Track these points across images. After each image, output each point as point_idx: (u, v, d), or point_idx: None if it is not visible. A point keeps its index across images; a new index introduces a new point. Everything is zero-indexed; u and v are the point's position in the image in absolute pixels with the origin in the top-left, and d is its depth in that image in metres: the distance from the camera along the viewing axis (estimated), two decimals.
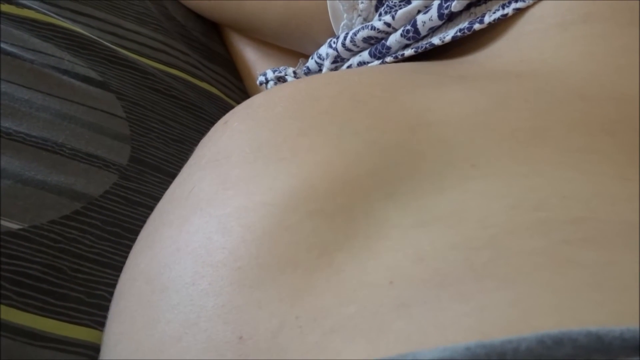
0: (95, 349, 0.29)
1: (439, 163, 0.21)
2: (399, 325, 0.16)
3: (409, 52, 0.32)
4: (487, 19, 0.29)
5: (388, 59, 0.33)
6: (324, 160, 0.22)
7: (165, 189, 0.39)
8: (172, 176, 0.40)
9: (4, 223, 0.30)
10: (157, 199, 0.38)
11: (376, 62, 0.35)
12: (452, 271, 0.17)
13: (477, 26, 0.29)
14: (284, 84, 0.30)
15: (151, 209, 0.37)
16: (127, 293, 0.24)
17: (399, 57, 0.33)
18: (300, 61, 0.47)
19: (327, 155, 0.22)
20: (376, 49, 0.35)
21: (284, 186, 0.22)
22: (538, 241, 0.17)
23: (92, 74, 0.41)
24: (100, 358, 0.24)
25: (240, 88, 0.54)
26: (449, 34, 0.30)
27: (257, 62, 0.53)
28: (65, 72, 0.39)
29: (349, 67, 0.38)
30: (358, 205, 0.21)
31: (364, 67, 0.32)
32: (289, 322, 0.18)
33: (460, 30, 0.30)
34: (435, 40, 0.31)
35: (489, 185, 0.20)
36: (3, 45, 0.37)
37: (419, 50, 0.31)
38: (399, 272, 0.18)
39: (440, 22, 0.31)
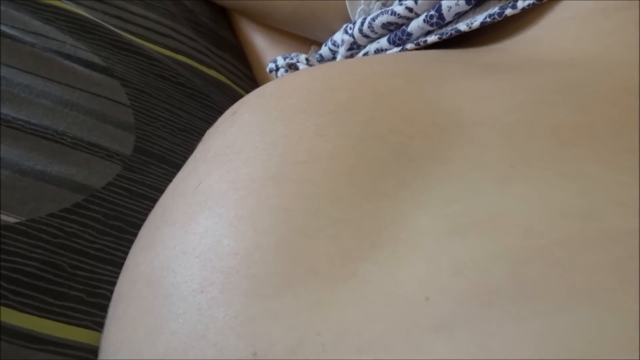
0: (96, 352, 0.27)
1: (472, 165, 0.19)
2: (440, 349, 0.14)
3: (432, 38, 0.30)
4: (521, 3, 0.27)
5: (409, 45, 0.31)
6: (349, 170, 0.20)
7: (171, 181, 0.37)
8: (178, 167, 0.39)
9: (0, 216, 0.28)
10: (162, 191, 0.36)
11: (395, 50, 0.33)
12: (497, 287, 0.15)
13: (509, 11, 0.27)
14: (298, 71, 0.28)
15: (156, 201, 0.35)
16: (127, 297, 0.22)
17: (421, 43, 0.31)
18: (312, 48, 0.45)
19: (352, 165, 0.20)
20: (396, 35, 0.33)
21: (305, 192, 0.20)
22: (598, 256, 0.15)
23: (96, 59, 0.39)
24: None
25: (249, 76, 0.52)
26: (477, 20, 0.28)
27: (267, 49, 0.51)
28: (68, 56, 0.38)
29: (365, 54, 0.36)
30: (385, 214, 0.19)
31: (383, 55, 0.30)
32: (309, 339, 0.16)
33: (490, 15, 0.28)
34: (462, 26, 0.29)
35: (530, 187, 0.18)
36: (3, 28, 0.35)
37: (444, 37, 0.29)
38: (435, 286, 0.16)
39: (467, 7, 0.29)
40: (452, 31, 0.29)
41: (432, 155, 0.20)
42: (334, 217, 0.19)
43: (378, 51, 0.34)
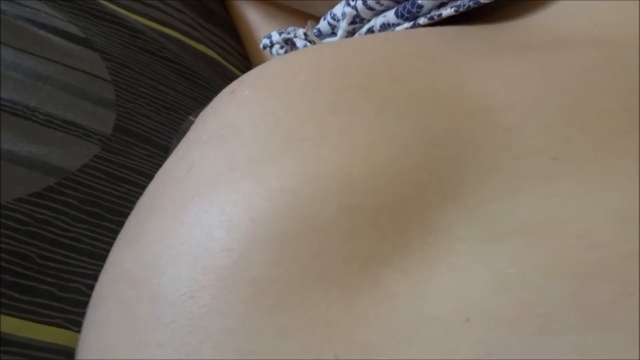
0: (68, 353, 0.25)
1: (507, 157, 0.17)
2: None
3: (447, 11, 0.27)
4: None
5: (421, 20, 0.28)
6: (363, 145, 0.17)
7: (155, 163, 0.34)
8: (163, 148, 0.36)
9: None
10: (144, 174, 0.33)
11: (405, 25, 0.30)
12: (557, 311, 0.13)
13: None
14: (303, 49, 0.25)
15: (137, 186, 0.32)
16: (108, 298, 0.19)
17: (435, 18, 0.28)
18: (309, 23, 0.42)
19: (366, 140, 0.17)
20: (404, 7, 0.30)
21: (309, 171, 0.17)
22: None
23: (73, 30, 0.36)
24: None
25: (240, 52, 0.49)
26: None
27: (260, 23, 0.48)
28: (42, 26, 0.34)
29: (369, 29, 0.33)
30: (409, 207, 0.16)
31: (397, 32, 0.27)
32: None
33: None
34: None
35: (580, 186, 0.15)
36: None
37: (461, 10, 0.27)
38: (475, 306, 0.13)
39: None
40: (471, 3, 0.26)
41: (462, 137, 0.17)
42: (344, 203, 0.16)
43: (384, 26, 0.31)
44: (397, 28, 0.30)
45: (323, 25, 0.37)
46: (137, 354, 0.16)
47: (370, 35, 0.27)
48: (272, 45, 0.40)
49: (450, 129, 0.18)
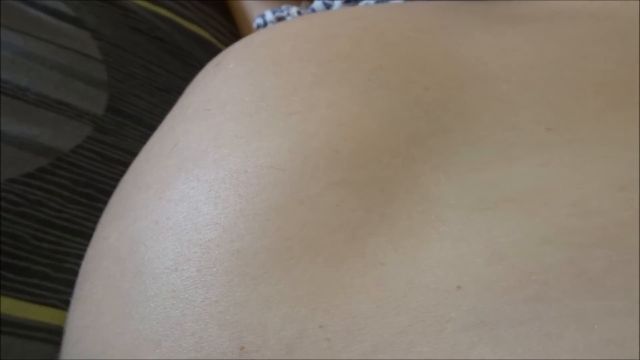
0: (63, 333, 0.25)
1: (500, 126, 0.16)
2: (482, 350, 0.12)
3: None
4: None
5: None
6: (351, 119, 0.17)
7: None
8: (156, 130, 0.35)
9: None
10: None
11: (400, 1, 0.29)
12: (553, 278, 0.13)
13: None
14: (292, 19, 0.24)
15: None
16: (93, 274, 0.19)
17: None
18: (302, 3, 0.41)
19: (354, 114, 0.17)
20: None
21: (298, 147, 0.17)
22: None
23: (64, 8, 0.35)
24: (61, 357, 0.20)
25: (233, 33, 0.48)
26: None
27: (253, 4, 0.47)
28: (32, 4, 0.34)
29: None
30: (397, 177, 0.16)
31: (389, 3, 0.27)
32: (310, 333, 0.14)
33: None
34: None
35: (575, 155, 0.15)
36: None
37: None
38: (469, 273, 0.13)
39: None
40: None
41: (453, 109, 0.17)
42: (333, 178, 0.16)
43: (379, 2, 0.31)
44: (392, 2, 0.30)
45: (317, 4, 0.37)
46: (120, 327, 0.16)
47: (362, 6, 0.27)
48: (265, 24, 0.40)
49: (441, 100, 0.17)
